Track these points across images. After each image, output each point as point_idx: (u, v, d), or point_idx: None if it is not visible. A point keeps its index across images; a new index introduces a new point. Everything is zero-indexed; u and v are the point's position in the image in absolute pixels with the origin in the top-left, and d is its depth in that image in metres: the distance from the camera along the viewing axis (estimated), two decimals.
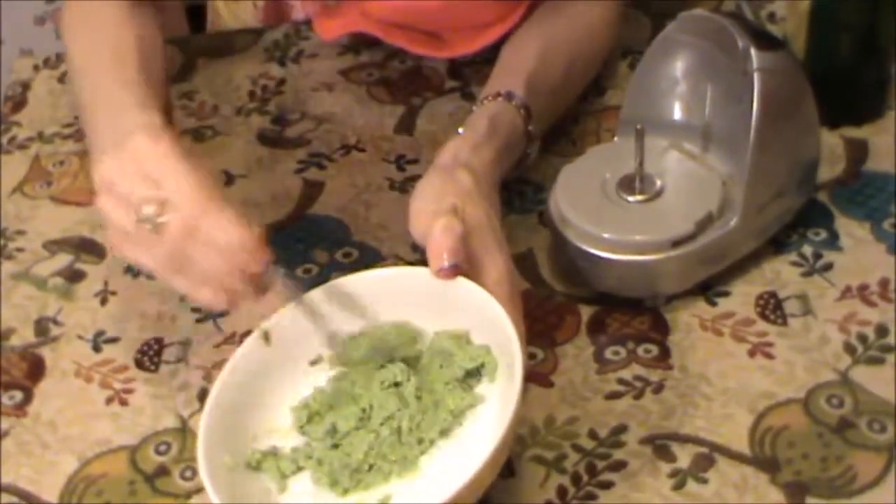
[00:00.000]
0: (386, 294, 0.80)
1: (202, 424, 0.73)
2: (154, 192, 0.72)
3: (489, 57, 1.12)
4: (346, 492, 0.73)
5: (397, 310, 0.80)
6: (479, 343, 0.77)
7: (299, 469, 0.76)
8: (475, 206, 0.80)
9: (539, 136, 0.94)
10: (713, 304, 0.86)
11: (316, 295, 0.79)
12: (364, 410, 0.76)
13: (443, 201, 0.79)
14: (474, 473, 0.67)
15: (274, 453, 0.76)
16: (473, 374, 0.77)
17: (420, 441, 0.74)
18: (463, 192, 0.80)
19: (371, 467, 0.74)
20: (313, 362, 0.80)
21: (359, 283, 0.80)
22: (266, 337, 0.78)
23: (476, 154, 0.86)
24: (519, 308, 0.77)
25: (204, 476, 0.70)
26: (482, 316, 0.76)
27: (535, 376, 0.81)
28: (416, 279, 0.79)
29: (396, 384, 0.76)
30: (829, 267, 0.87)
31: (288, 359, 0.79)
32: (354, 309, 0.80)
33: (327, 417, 0.77)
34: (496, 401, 0.75)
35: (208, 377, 0.84)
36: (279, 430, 0.77)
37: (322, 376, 0.80)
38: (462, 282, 0.76)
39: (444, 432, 0.75)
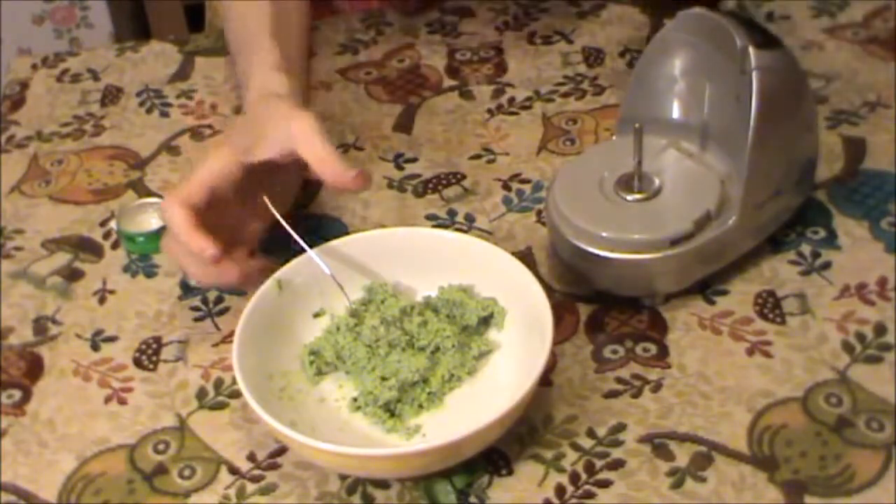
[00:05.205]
0: (386, 253, 0.85)
1: (235, 356, 0.77)
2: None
3: (487, 56, 1.11)
4: (388, 418, 0.78)
5: (398, 269, 0.85)
6: (486, 295, 0.83)
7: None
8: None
9: None
10: (711, 302, 0.86)
11: (319, 252, 0.84)
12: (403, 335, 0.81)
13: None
14: (506, 410, 0.72)
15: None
16: (481, 323, 0.83)
17: (451, 377, 0.80)
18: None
19: (401, 399, 0.79)
20: (316, 314, 0.85)
21: (358, 243, 0.86)
22: (279, 285, 0.83)
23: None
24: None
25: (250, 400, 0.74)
26: (489, 269, 0.82)
27: None
28: (414, 239, 0.86)
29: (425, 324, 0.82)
30: (827, 266, 0.87)
31: (296, 308, 0.84)
32: (356, 267, 0.85)
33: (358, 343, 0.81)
34: (511, 346, 0.81)
35: (206, 376, 0.84)
36: (292, 373, 0.81)
37: (324, 327, 0.84)
38: (463, 239, 0.85)
39: (471, 372, 0.81)
